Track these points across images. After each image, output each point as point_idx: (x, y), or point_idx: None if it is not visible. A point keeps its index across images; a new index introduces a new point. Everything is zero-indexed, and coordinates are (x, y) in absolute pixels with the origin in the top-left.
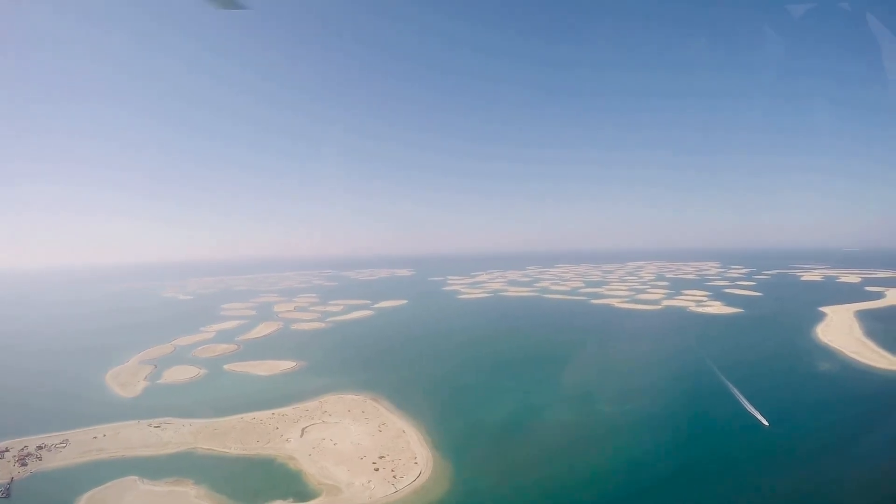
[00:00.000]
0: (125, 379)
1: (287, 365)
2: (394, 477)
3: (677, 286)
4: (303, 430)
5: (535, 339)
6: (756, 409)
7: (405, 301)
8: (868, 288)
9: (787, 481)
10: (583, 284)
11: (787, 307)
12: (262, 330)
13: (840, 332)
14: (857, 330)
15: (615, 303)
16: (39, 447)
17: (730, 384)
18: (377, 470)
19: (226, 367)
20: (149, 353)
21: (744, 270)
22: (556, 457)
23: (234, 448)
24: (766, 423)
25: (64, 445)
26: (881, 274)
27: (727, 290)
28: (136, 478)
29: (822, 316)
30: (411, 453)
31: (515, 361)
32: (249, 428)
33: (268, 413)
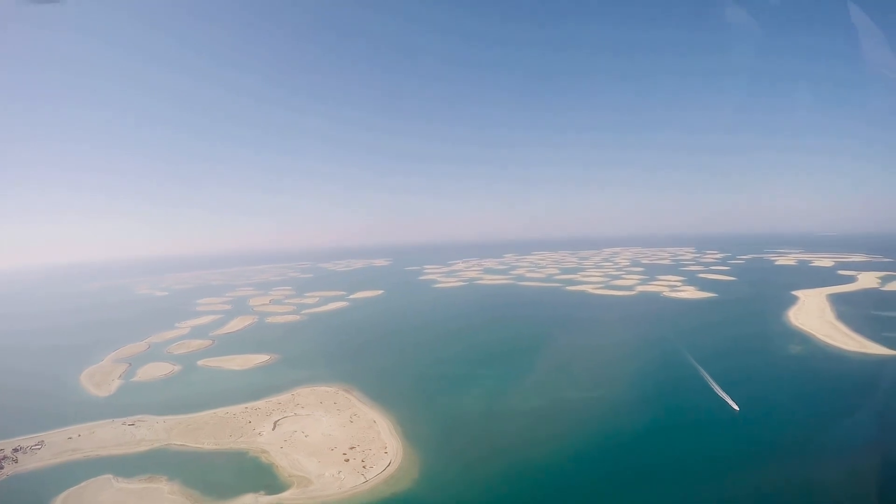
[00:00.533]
0: (100, 378)
1: (261, 359)
2: (363, 467)
3: (652, 272)
4: (275, 423)
5: (507, 327)
6: (727, 393)
7: (381, 291)
8: (841, 272)
9: (756, 466)
10: (558, 271)
11: (760, 291)
12: (237, 324)
13: (812, 316)
14: (828, 313)
15: (589, 289)
16: (15, 450)
17: (701, 369)
18: (347, 461)
19: (199, 362)
20: (123, 351)
21: (718, 255)
22: (524, 445)
23: (206, 443)
24: (736, 407)
25: (39, 447)
26: (854, 258)
27: (701, 275)
28: (110, 476)
29: (794, 300)
30: (381, 443)
31: (488, 350)
32: (222, 423)
33: (241, 407)
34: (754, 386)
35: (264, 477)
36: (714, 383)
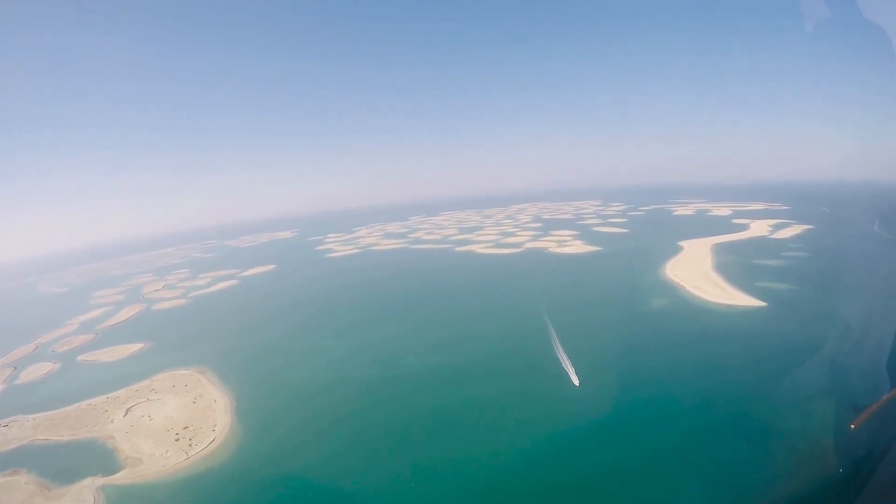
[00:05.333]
0: None
1: (134, 348)
2: (189, 446)
3: (548, 227)
4: (128, 409)
5: (378, 294)
6: (571, 364)
7: (273, 266)
8: (735, 220)
9: (583, 450)
10: (456, 232)
11: (647, 243)
12: (124, 315)
13: (688, 267)
14: (706, 264)
15: (478, 249)
16: None
17: (553, 333)
18: (177, 440)
19: (79, 358)
20: (11, 355)
21: (621, 207)
22: (350, 415)
23: (66, 435)
24: (576, 382)
25: None
26: (753, 206)
27: (595, 229)
28: None
29: (678, 250)
30: (212, 422)
31: (347, 320)
32: (83, 414)
33: (103, 398)
34: (603, 353)
35: (106, 460)
36: (562, 351)
